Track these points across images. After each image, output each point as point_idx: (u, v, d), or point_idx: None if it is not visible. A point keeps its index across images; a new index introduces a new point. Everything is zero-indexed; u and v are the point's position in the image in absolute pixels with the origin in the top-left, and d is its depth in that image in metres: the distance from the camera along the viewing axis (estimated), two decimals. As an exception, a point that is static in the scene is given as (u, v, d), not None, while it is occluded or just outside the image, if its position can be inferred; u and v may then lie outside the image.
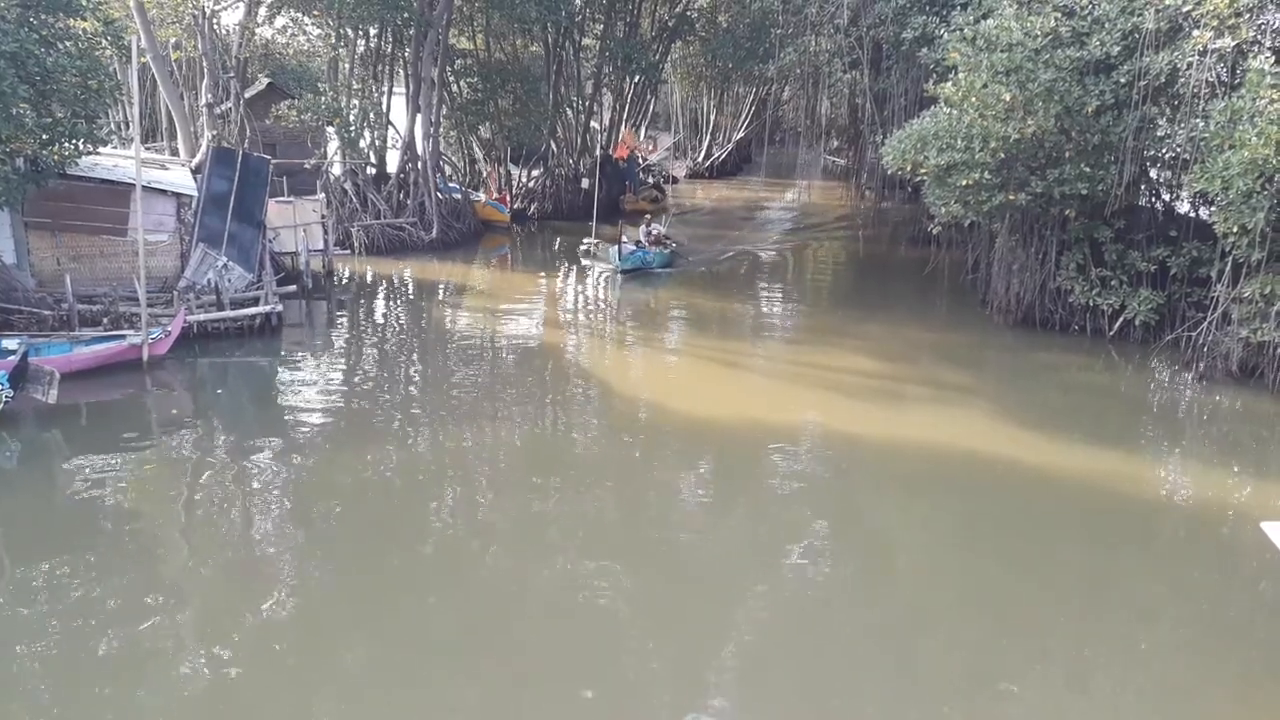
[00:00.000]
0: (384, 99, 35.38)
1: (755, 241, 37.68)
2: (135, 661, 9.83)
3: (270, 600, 11.04)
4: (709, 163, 61.40)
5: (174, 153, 33.04)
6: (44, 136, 18.22)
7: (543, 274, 31.32)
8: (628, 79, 44.69)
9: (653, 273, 30.13)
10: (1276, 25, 18.56)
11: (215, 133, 30.97)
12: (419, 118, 33.91)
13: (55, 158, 18.87)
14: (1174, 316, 21.29)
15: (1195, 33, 18.34)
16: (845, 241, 38.66)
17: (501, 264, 33.47)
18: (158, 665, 9.75)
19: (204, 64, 31.56)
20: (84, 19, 19.75)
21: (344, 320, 24.60)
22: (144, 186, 19.61)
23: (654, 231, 32.60)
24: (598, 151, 42.94)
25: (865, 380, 19.62)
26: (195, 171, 25.32)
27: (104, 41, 20.09)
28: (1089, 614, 11.36)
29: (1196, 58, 18.41)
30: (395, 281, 29.29)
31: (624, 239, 30.65)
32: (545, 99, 39.35)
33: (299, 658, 10.09)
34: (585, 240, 31.69)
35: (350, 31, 33.83)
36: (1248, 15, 18.01)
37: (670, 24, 43.48)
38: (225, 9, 34.47)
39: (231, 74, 32.58)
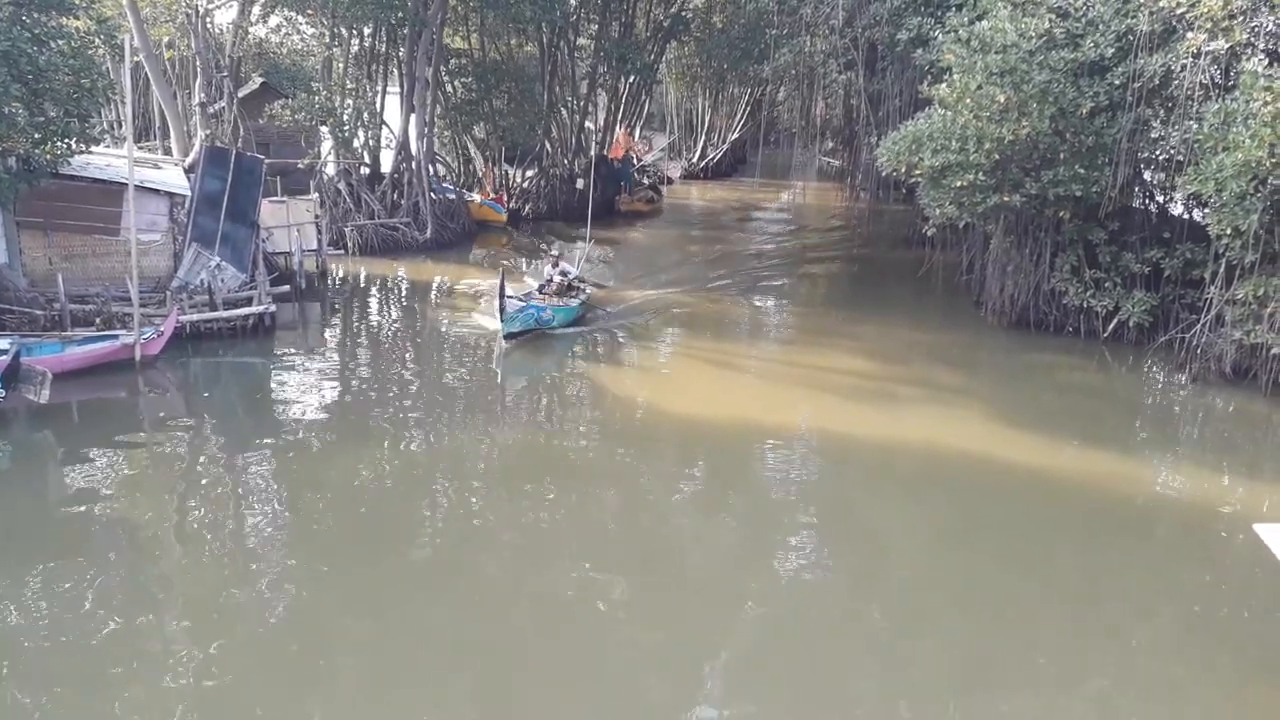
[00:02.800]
0: (378, 98, 35.28)
1: (739, 261, 33.42)
2: (126, 664, 9.78)
3: (263, 602, 11.01)
4: (704, 163, 61.31)
5: (167, 152, 32.88)
6: (36, 135, 18.13)
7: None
8: (622, 79, 44.62)
9: (552, 335, 21.91)
10: (1270, 28, 18.60)
11: (209, 132, 30.87)
12: (413, 117, 33.81)
13: (48, 157, 18.77)
14: (1168, 318, 21.34)
15: (1189, 35, 18.38)
16: (839, 243, 38.61)
17: (496, 264, 33.34)
18: (149, 668, 9.71)
19: (197, 63, 31.46)
20: (77, 17, 19.69)
21: (338, 321, 24.53)
22: (137, 186, 19.53)
23: (559, 276, 23.58)
24: (593, 152, 42.88)
25: (860, 381, 19.63)
26: (188, 171, 25.21)
27: (97, 40, 19.99)
28: (1083, 614, 11.39)
29: (1190, 60, 18.45)
30: (389, 282, 29.21)
31: (508, 292, 21.35)
32: (540, 99, 39.27)
33: (292, 660, 10.05)
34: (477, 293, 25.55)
35: (344, 31, 33.73)
36: (1241, 18, 18.05)
37: (665, 24, 43.40)
38: (218, 8, 34.35)
39: (225, 73, 32.45)
